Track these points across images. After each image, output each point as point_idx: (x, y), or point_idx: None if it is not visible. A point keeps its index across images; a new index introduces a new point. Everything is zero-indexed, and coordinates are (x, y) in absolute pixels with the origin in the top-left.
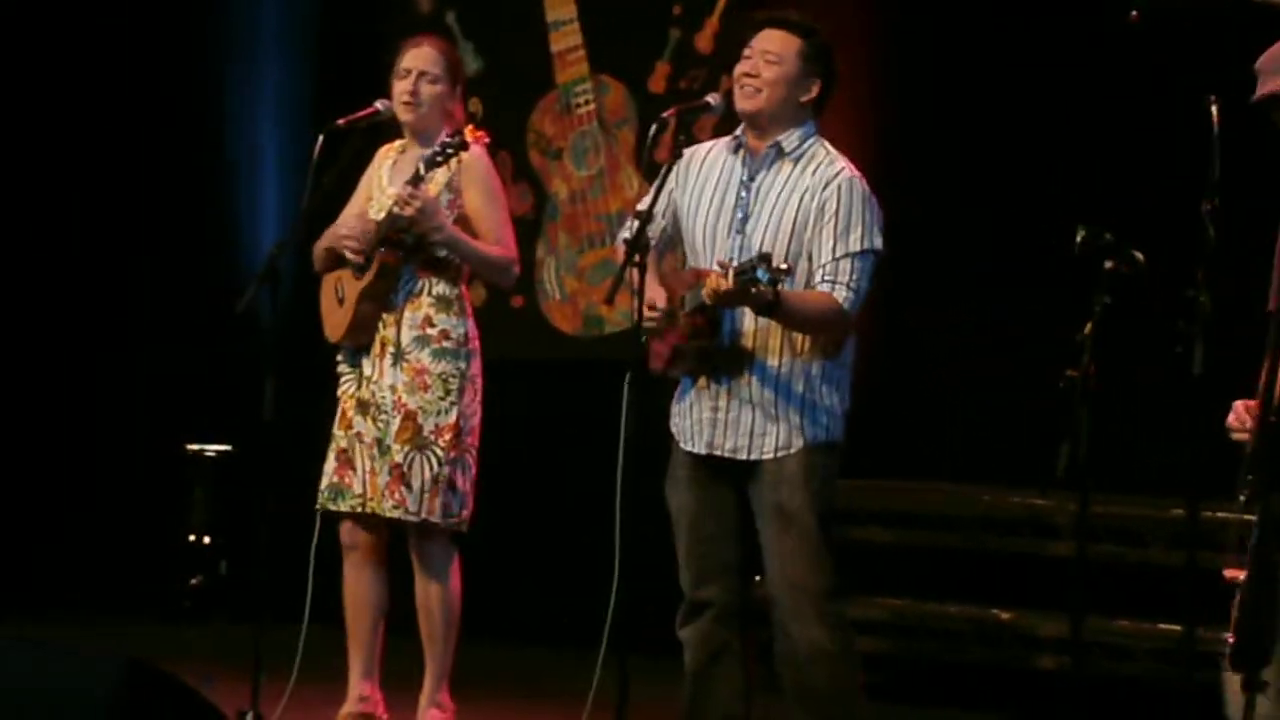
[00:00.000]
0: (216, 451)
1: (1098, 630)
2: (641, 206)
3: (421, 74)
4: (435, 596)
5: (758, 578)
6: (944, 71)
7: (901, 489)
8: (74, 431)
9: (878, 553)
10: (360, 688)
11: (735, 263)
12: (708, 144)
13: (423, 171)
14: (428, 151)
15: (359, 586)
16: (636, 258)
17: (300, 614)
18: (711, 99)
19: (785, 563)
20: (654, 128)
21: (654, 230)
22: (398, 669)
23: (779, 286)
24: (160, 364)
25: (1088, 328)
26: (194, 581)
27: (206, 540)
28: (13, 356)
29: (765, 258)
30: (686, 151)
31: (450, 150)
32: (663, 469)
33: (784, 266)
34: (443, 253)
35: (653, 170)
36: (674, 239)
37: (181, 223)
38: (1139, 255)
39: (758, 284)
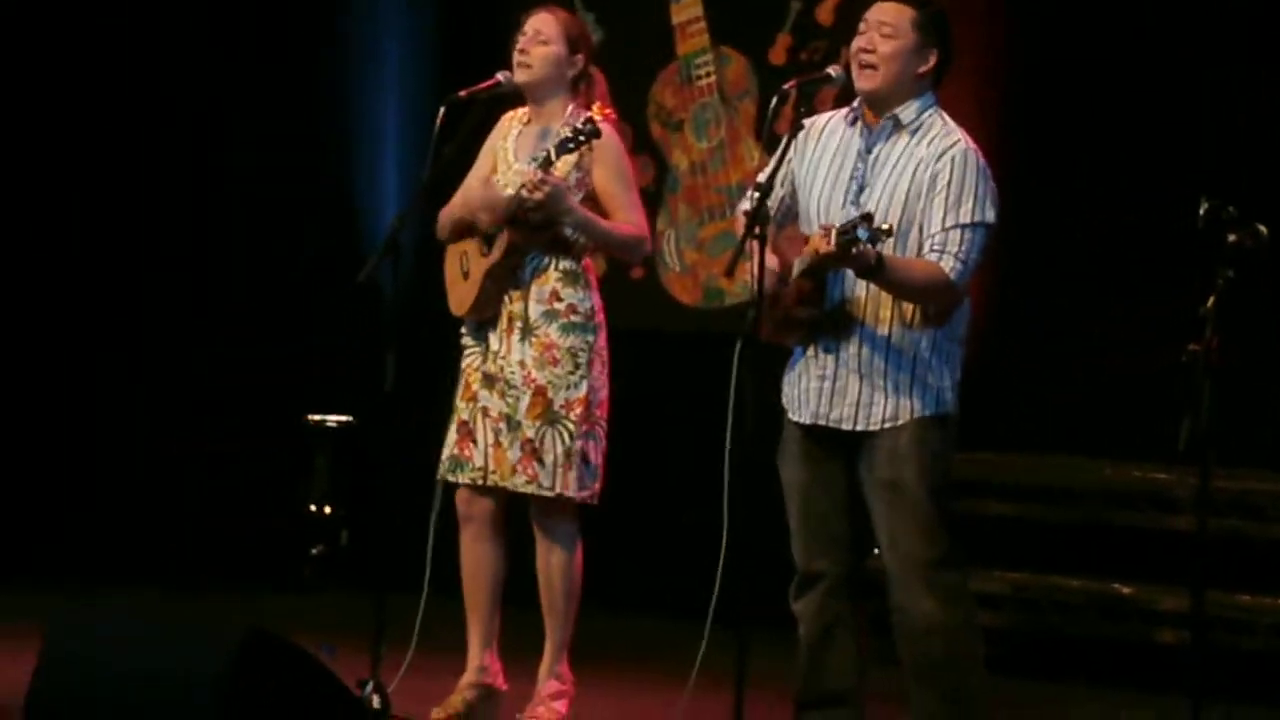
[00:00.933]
0: (337, 422)
1: (1219, 604)
2: (761, 178)
3: (535, 34)
4: (557, 568)
5: (875, 550)
6: (1064, 44)
7: (1021, 462)
8: (198, 401)
9: (997, 526)
10: (480, 658)
11: (836, 225)
12: (826, 115)
13: (554, 157)
14: (559, 131)
15: (477, 557)
16: (756, 229)
17: (420, 584)
18: (832, 71)
19: (896, 536)
20: (775, 100)
21: (773, 202)
22: (516, 640)
23: (880, 249)
24: (282, 335)
25: (1210, 301)
26: (315, 551)
27: (327, 510)
28: (137, 332)
29: (867, 217)
30: (806, 123)
31: (583, 138)
32: (778, 441)
33: (885, 227)
34: (570, 231)
35: (773, 142)
36: (793, 210)
37: (302, 194)
38: (1263, 229)
39: (858, 243)
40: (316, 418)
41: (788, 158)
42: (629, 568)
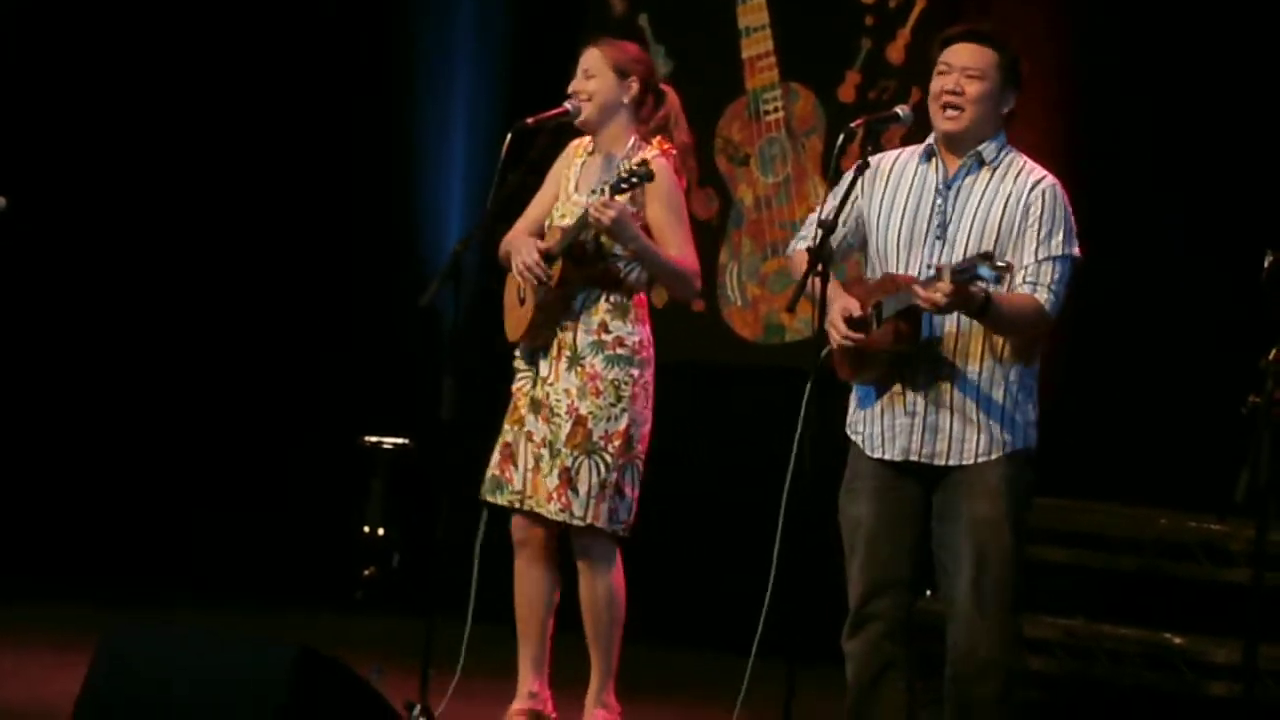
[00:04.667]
0: (394, 445)
1: (1271, 658)
2: (825, 215)
3: (583, 72)
4: (601, 597)
5: (928, 592)
6: (1127, 92)
7: (1077, 509)
8: (255, 423)
9: (1051, 571)
10: (529, 683)
11: (951, 265)
12: (894, 152)
13: (609, 196)
14: (619, 165)
15: (529, 582)
16: (819, 266)
17: (467, 609)
18: (901, 110)
19: (975, 573)
20: (842, 137)
21: (834, 238)
22: (565, 667)
23: (1000, 287)
24: (342, 357)
25: (1272, 354)
26: (366, 573)
27: (381, 532)
28: (199, 350)
29: (987, 256)
30: (873, 159)
31: (635, 180)
32: (837, 479)
33: (1004, 264)
34: (622, 264)
35: (839, 180)
36: (852, 247)
37: (367, 218)
38: None
39: (978, 282)
40: (373, 440)
41: (853, 195)
42: (680, 599)
